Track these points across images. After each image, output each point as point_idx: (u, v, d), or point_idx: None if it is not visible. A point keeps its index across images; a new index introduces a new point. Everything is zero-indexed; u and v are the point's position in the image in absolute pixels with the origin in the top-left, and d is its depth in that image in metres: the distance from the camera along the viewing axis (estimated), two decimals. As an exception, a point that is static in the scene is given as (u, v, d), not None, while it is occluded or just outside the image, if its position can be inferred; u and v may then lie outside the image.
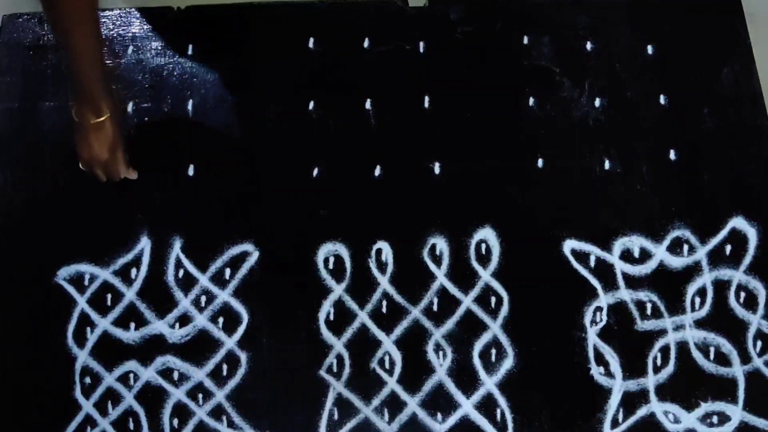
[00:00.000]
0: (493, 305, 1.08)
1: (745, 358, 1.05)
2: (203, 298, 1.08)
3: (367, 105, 1.18)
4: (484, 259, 1.10)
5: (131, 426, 1.03)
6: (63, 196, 1.14)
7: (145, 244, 1.11)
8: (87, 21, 0.92)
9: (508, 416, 1.03)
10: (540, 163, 1.15)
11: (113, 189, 1.13)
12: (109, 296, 1.08)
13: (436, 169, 1.15)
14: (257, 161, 1.16)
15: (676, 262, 1.09)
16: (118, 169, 1.08)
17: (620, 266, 1.09)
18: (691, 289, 1.08)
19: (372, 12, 1.25)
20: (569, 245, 1.10)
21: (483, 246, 1.10)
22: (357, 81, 1.20)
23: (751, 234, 1.10)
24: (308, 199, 1.13)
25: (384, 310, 1.08)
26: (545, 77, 1.19)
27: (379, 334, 1.07)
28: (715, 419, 1.03)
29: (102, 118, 1.00)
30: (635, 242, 1.10)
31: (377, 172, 1.15)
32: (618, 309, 1.07)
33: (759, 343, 1.06)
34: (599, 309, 1.07)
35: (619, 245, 1.10)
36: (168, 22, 1.24)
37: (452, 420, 1.03)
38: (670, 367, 1.05)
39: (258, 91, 1.20)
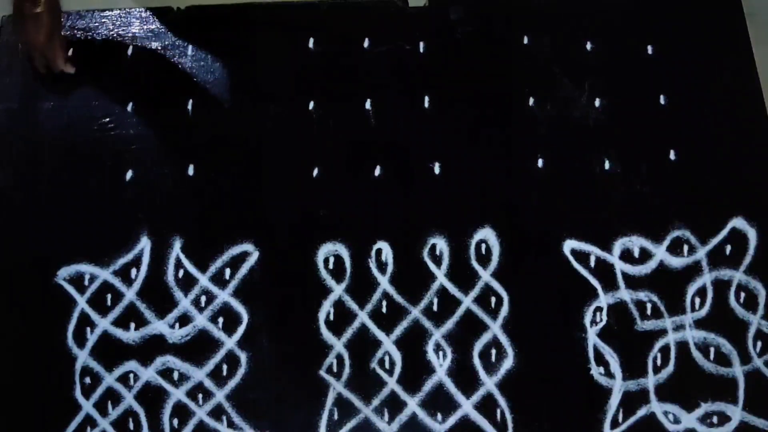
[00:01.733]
0: (493, 305, 1.08)
1: (745, 358, 1.05)
2: (203, 298, 1.08)
3: (367, 105, 1.18)
4: (484, 259, 1.10)
5: (131, 426, 1.03)
6: (63, 196, 1.14)
7: (145, 244, 1.11)
8: None
9: (508, 416, 1.03)
10: (540, 163, 1.15)
11: (113, 189, 1.13)
12: (109, 296, 1.08)
13: (436, 169, 1.15)
14: (257, 161, 1.16)
15: (676, 262, 1.09)
16: (56, 62, 1.15)
17: (620, 266, 1.09)
18: (691, 289, 1.08)
19: (372, 12, 1.25)
20: (569, 245, 1.10)
21: (483, 246, 1.10)
22: (357, 81, 1.20)
23: (751, 234, 1.10)
24: (308, 199, 1.13)
25: (384, 310, 1.07)
26: (545, 77, 1.19)
27: (379, 334, 1.07)
28: (715, 419, 1.03)
29: (38, 9, 1.06)
30: (635, 242, 1.10)
31: (377, 172, 1.15)
32: (618, 309, 1.07)
33: (759, 344, 1.06)
34: (599, 309, 1.07)
35: (619, 245, 1.10)
36: (168, 22, 1.24)
37: (452, 420, 1.03)
38: (670, 368, 1.05)
39: (258, 91, 1.20)
